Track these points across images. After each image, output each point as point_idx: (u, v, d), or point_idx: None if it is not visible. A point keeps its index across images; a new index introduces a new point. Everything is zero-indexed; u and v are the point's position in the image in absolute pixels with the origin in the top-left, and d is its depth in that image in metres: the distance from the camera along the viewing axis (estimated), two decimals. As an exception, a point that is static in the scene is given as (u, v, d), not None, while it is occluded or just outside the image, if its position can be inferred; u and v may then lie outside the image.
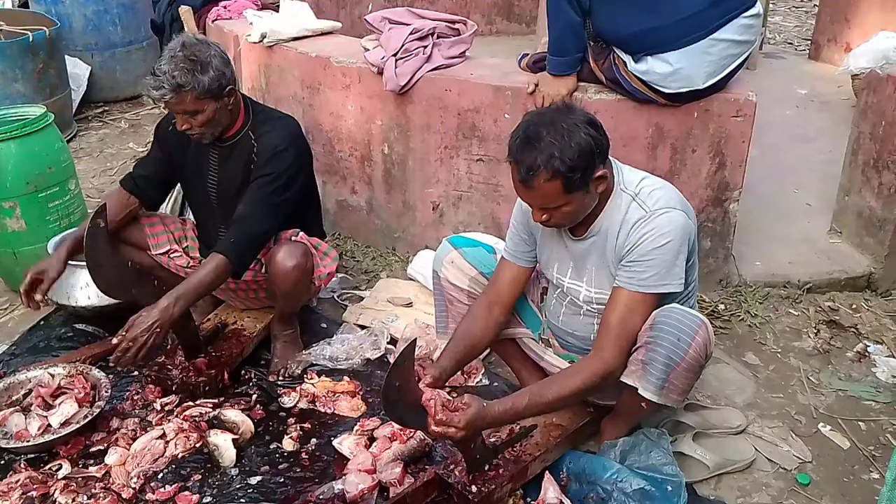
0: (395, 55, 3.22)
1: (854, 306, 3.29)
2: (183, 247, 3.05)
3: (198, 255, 3.07)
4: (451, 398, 2.09)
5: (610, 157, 2.19)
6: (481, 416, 2.07)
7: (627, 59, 2.85)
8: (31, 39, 4.73)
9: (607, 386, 2.20)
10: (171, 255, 2.96)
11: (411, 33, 3.21)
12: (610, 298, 2.21)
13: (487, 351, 2.95)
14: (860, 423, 2.70)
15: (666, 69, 2.79)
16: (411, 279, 3.42)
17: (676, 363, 2.12)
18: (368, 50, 3.36)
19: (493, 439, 2.34)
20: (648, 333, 2.14)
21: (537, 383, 2.28)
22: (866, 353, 3.02)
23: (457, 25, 3.34)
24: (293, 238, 2.86)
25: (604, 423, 2.48)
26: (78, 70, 5.40)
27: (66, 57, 5.20)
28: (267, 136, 2.76)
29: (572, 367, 2.24)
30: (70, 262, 3.05)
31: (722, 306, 3.23)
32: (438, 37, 3.28)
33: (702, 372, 2.24)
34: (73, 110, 5.32)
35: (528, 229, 2.39)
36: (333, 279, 3.40)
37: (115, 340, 2.51)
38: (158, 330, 2.50)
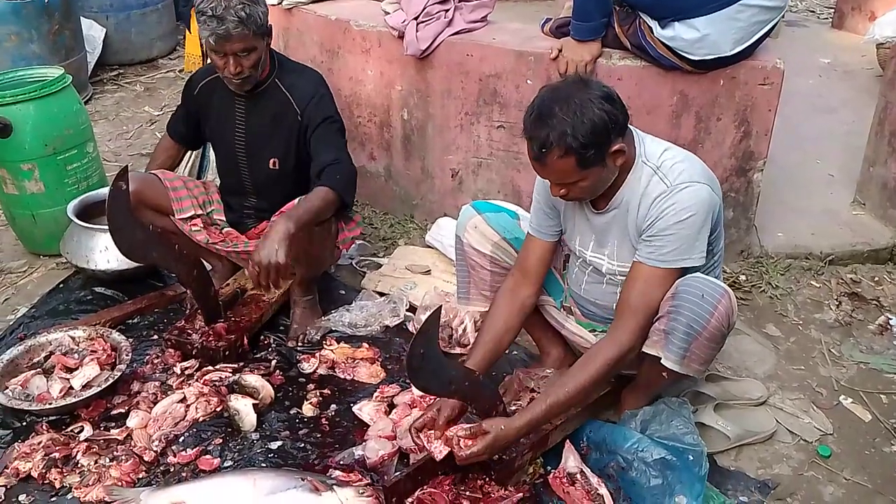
0: (416, 19, 3.17)
1: (876, 279, 3.26)
2: (207, 211, 3.04)
3: (223, 217, 3.07)
4: (470, 428, 2.13)
5: (632, 127, 2.15)
6: (502, 437, 2.11)
7: (654, 24, 2.80)
8: (46, 1, 4.68)
9: (626, 364, 2.19)
10: (192, 229, 2.93)
11: (433, -4, 3.17)
12: (629, 274, 2.19)
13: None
14: (881, 395, 2.68)
15: (693, 35, 2.73)
16: (429, 247, 3.40)
17: (698, 332, 2.10)
18: (389, 13, 3.32)
19: (513, 408, 2.34)
20: (671, 303, 2.12)
21: (555, 383, 2.23)
22: (888, 326, 3.00)
23: (479, -11, 3.29)
24: None
25: (624, 393, 2.47)
26: (93, 32, 5.36)
27: (82, 19, 5.16)
28: (300, 85, 2.80)
29: (587, 354, 2.20)
30: (89, 224, 3.08)
31: (743, 277, 3.21)
32: (460, 0, 3.23)
33: (724, 342, 2.22)
34: (89, 73, 5.28)
35: (551, 202, 2.36)
36: (353, 245, 3.40)
37: (248, 271, 2.53)
38: (284, 246, 2.45)
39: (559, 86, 2.10)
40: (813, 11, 6.98)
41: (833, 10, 6.35)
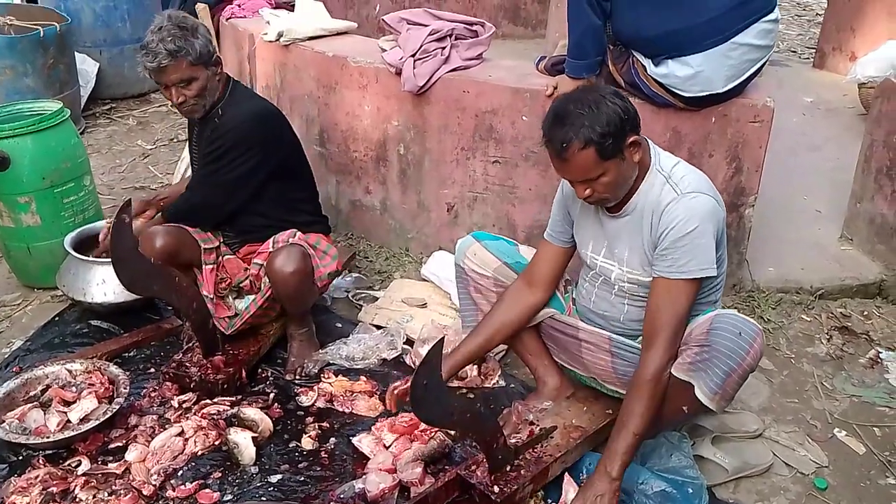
0: (413, 56, 3.22)
1: (866, 313, 3.31)
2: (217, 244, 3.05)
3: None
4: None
5: (648, 139, 2.25)
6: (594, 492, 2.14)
7: (647, 62, 2.87)
8: (41, 35, 4.71)
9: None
10: (206, 262, 2.93)
11: (430, 34, 3.22)
12: (651, 291, 2.24)
13: (504, 352, 2.97)
14: (875, 428, 2.72)
15: (686, 72, 2.80)
16: (425, 280, 3.42)
17: (734, 369, 2.14)
18: (386, 50, 3.37)
19: (513, 440, 2.35)
20: (706, 337, 2.15)
21: (617, 424, 2.23)
22: (879, 360, 3.04)
23: (474, 27, 3.35)
24: (291, 241, 2.88)
25: None
26: (86, 66, 5.38)
27: (76, 53, 5.18)
28: (227, 115, 2.83)
29: (634, 382, 2.22)
30: (87, 258, 3.08)
31: (735, 310, 3.23)
32: (456, 38, 3.29)
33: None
34: (82, 107, 5.30)
35: (566, 209, 2.46)
36: (348, 279, 3.42)
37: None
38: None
39: (570, 93, 2.24)
40: (795, 52, 7.14)
41: (815, 51, 6.49)
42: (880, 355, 3.06)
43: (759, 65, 2.90)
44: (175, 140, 5.10)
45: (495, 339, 2.53)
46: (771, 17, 2.81)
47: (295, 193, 3.03)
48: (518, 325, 2.52)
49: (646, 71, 2.88)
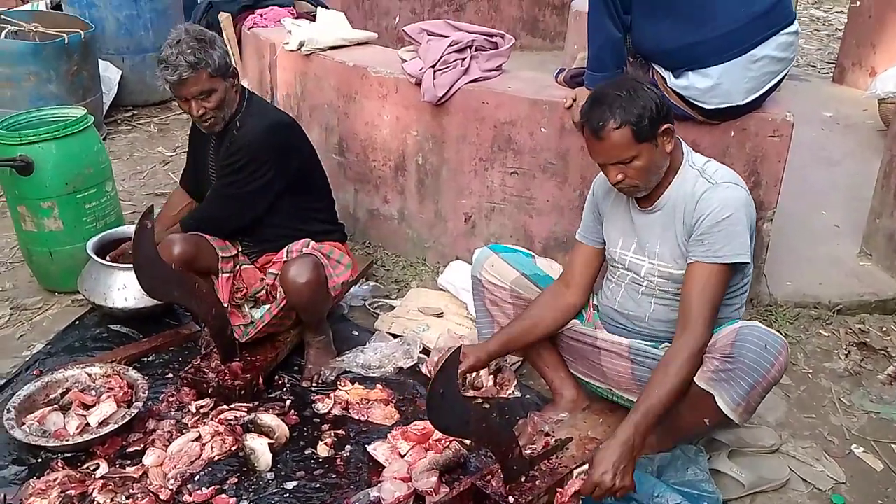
0: (433, 67, 3.24)
1: (884, 329, 3.29)
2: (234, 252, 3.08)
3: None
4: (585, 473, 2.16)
5: (679, 137, 2.33)
6: (617, 461, 2.08)
7: (667, 75, 2.87)
8: (66, 42, 4.77)
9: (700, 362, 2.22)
10: (223, 270, 2.96)
11: (450, 45, 3.24)
12: (687, 275, 2.27)
13: (520, 362, 2.98)
14: (893, 445, 2.70)
15: (706, 84, 2.80)
16: (442, 289, 3.43)
17: (758, 381, 2.15)
18: (406, 61, 3.39)
19: (529, 451, 2.35)
20: (731, 348, 2.16)
21: (644, 395, 2.21)
22: (897, 376, 3.02)
23: (494, 39, 3.36)
24: (304, 250, 2.90)
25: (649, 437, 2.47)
26: (109, 73, 5.44)
27: (99, 60, 5.24)
28: (245, 128, 2.84)
29: (664, 359, 2.23)
30: (108, 263, 3.11)
31: (759, 323, 3.22)
32: (476, 49, 3.31)
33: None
34: (104, 113, 5.36)
35: (597, 208, 2.52)
36: (364, 287, 3.43)
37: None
38: None
39: (609, 82, 2.37)
40: (814, 66, 7.11)
41: (834, 66, 6.47)
42: (899, 372, 3.04)
43: (778, 77, 2.90)
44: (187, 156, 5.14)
45: (532, 333, 2.53)
46: (791, 29, 2.82)
47: (311, 203, 3.06)
48: (554, 325, 2.54)
49: (666, 83, 2.88)
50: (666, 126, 2.22)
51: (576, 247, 2.60)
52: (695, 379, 2.20)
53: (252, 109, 2.89)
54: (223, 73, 2.76)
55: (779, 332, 3.13)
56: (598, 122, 2.18)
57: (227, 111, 2.81)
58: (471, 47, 3.30)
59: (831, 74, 6.44)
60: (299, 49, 3.68)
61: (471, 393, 2.85)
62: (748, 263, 2.30)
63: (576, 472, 2.28)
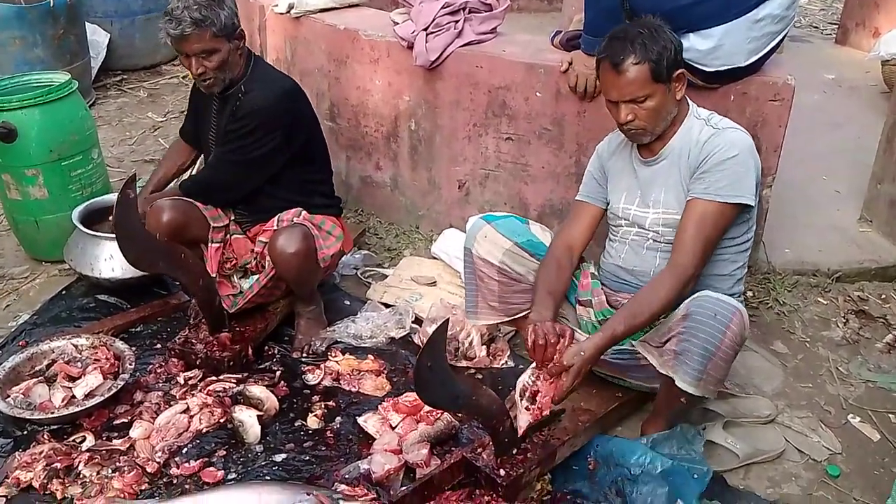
0: (425, 29, 3.16)
1: (883, 296, 3.24)
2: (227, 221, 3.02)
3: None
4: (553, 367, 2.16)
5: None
6: (586, 359, 2.13)
7: (666, 37, 2.79)
8: (52, 5, 4.66)
9: (687, 294, 2.20)
10: (214, 240, 2.90)
11: (443, 7, 3.15)
12: (685, 211, 2.25)
13: (513, 332, 2.94)
14: (890, 415, 2.66)
15: (707, 45, 2.71)
16: (435, 258, 3.38)
17: (713, 353, 2.09)
18: (398, 24, 3.31)
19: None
20: (683, 324, 2.12)
21: (625, 307, 2.26)
22: (896, 345, 2.98)
23: (489, 1, 3.27)
24: (295, 220, 2.84)
25: (644, 425, 2.46)
26: (97, 37, 5.34)
27: (86, 23, 5.14)
28: (251, 93, 2.77)
29: (653, 281, 2.25)
30: (94, 232, 3.06)
31: (750, 293, 3.18)
32: (470, 11, 3.22)
33: (735, 359, 2.21)
34: (92, 78, 5.27)
35: (603, 170, 2.51)
36: (357, 256, 3.38)
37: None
38: None
39: (629, 23, 2.38)
40: (816, 27, 6.99)
41: (837, 27, 6.36)
42: (898, 340, 3.00)
43: (779, 38, 2.82)
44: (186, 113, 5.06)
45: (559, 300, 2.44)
46: (792, -15, 2.73)
47: (312, 175, 2.99)
48: (571, 268, 2.49)
49: (664, 46, 2.80)
50: (680, 71, 2.23)
51: (579, 206, 2.56)
52: (655, 365, 2.19)
53: (258, 74, 2.81)
54: (228, 35, 2.67)
55: (776, 300, 3.15)
56: (619, 56, 2.17)
57: (227, 73, 2.73)
58: (464, 9, 3.21)
59: (834, 35, 6.33)
60: (288, 12, 3.59)
61: (463, 363, 2.82)
62: (752, 208, 2.28)
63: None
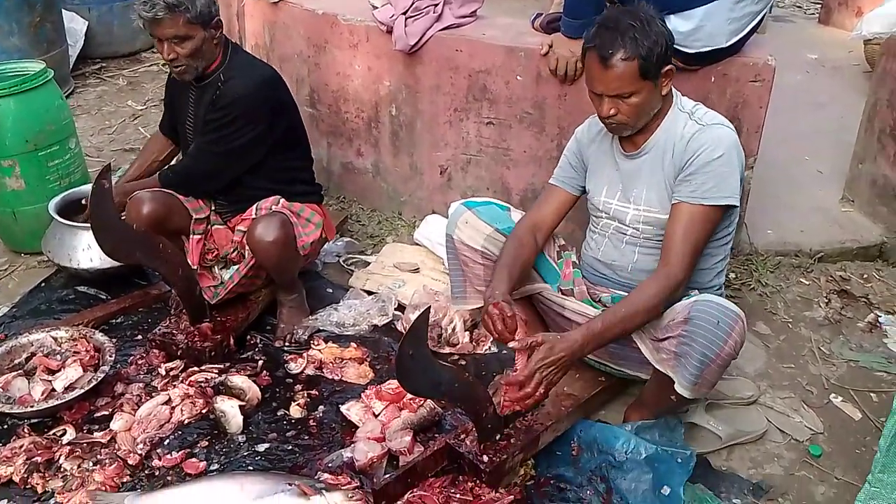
0: (404, 13, 3.13)
1: (865, 276, 3.26)
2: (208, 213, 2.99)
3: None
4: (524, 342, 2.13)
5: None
6: (563, 347, 2.10)
7: (647, 19, 2.77)
8: (27, -8, 4.60)
9: (676, 298, 2.18)
10: (195, 231, 2.87)
11: (421, -9, 3.12)
12: (671, 215, 2.22)
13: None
14: (872, 394, 2.68)
15: (688, 26, 2.70)
16: (418, 244, 3.37)
17: (712, 360, 2.09)
18: (377, 8, 3.27)
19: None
20: (684, 326, 2.10)
21: (610, 308, 2.25)
22: (878, 324, 2.99)
23: (468, -17, 3.25)
24: (273, 208, 2.81)
25: (628, 411, 2.45)
26: (75, 25, 5.27)
27: (63, 11, 5.07)
28: (231, 81, 2.73)
29: (641, 285, 2.21)
30: (71, 223, 3.02)
31: (733, 275, 3.19)
32: (449, -5, 3.19)
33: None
34: (70, 66, 5.20)
35: (581, 156, 2.46)
36: (339, 243, 3.36)
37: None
38: None
39: (620, 8, 2.27)
40: (800, 7, 6.99)
41: (820, 6, 6.35)
42: (879, 319, 3.01)
43: (759, 17, 2.82)
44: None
45: (524, 274, 2.44)
46: (772, -34, 2.72)
47: (293, 162, 2.96)
48: (535, 246, 2.45)
49: (644, 28, 2.78)
50: (669, 67, 2.16)
51: (551, 190, 2.51)
52: (653, 363, 2.18)
53: (236, 63, 2.77)
54: (203, 22, 2.62)
55: (759, 281, 3.15)
56: (608, 49, 2.09)
57: (200, 62, 2.69)
58: (443, -8, 3.18)
59: (817, 15, 6.33)
60: (267, -3, 3.55)
61: (446, 349, 2.81)
62: (736, 207, 2.25)
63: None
